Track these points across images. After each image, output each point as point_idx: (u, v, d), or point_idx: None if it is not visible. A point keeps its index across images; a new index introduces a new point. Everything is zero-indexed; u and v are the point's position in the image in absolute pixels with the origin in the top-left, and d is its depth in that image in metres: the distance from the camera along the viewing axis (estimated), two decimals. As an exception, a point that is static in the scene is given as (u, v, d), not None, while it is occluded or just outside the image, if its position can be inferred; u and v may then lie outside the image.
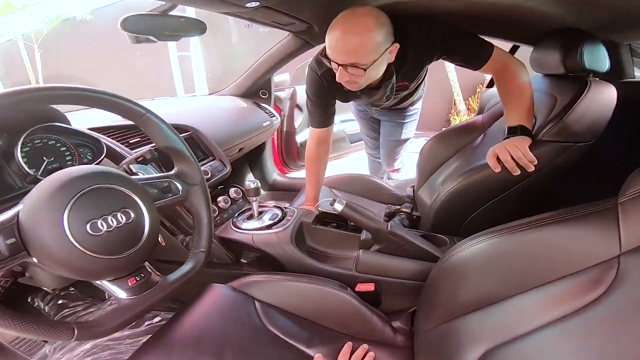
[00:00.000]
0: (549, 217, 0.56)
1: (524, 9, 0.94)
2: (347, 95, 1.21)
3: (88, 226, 0.49)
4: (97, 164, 0.85)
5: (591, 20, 0.96)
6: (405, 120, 1.66)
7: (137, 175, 0.78)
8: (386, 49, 0.93)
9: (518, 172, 0.90)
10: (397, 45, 0.96)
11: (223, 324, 0.71)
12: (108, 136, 1.03)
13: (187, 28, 1.13)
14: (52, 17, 6.13)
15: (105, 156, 0.88)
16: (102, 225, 0.50)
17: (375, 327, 0.77)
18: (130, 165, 0.82)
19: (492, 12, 1.03)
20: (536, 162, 0.88)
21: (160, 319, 0.99)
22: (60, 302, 0.87)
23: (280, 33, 1.46)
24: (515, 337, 0.50)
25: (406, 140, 1.77)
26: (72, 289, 0.99)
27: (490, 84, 2.07)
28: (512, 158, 0.89)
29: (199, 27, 1.13)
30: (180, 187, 0.69)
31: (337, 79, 0.97)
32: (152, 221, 0.57)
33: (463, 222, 1.06)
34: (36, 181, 0.70)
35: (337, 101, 1.26)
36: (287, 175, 2.29)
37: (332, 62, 0.95)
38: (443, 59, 1.10)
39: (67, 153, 0.84)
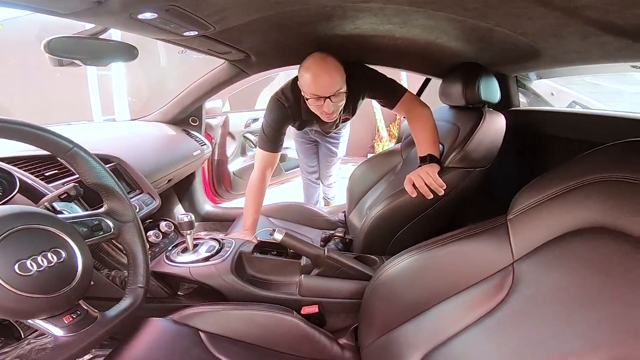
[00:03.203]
0: (455, 235, 0.67)
1: (436, 45, 1.11)
2: (302, 124, 1.40)
3: (16, 266, 0.48)
4: (9, 200, 0.76)
5: (486, 55, 1.16)
6: (339, 141, 2.05)
7: (63, 213, 0.72)
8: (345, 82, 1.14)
9: (431, 196, 1.04)
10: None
11: (169, 357, 0.70)
12: (20, 168, 0.93)
13: (117, 53, 1.04)
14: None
15: (18, 191, 0.79)
16: (32, 266, 0.50)
17: (324, 346, 0.81)
18: (54, 203, 0.76)
19: (411, 48, 1.20)
20: (445, 187, 1.03)
21: (91, 356, 0.91)
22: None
23: (213, 59, 1.44)
24: (445, 340, 0.58)
25: (340, 157, 2.13)
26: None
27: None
28: (425, 184, 1.03)
29: (130, 53, 1.05)
30: (111, 224, 0.66)
31: (325, 111, 1.14)
32: (84, 259, 0.57)
33: (389, 242, 1.17)
34: None
35: None
36: (219, 205, 2.23)
37: (318, 99, 1.10)
38: (368, 97, 1.30)
39: (-27, 187, 0.75)
